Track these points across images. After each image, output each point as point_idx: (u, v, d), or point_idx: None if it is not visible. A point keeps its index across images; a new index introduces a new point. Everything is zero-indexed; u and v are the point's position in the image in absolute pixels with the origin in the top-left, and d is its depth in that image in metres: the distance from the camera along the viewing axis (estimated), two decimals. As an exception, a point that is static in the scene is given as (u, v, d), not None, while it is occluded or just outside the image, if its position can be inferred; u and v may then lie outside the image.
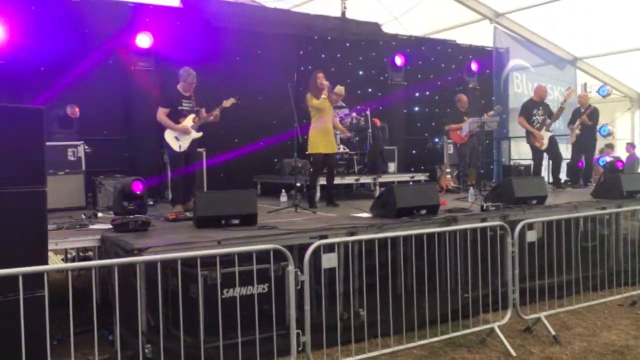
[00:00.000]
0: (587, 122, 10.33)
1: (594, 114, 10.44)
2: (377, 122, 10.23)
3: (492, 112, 10.22)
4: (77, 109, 7.88)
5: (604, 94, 13.05)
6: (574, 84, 13.86)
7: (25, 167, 3.70)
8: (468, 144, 10.09)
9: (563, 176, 10.71)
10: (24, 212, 3.68)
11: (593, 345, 4.88)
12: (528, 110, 9.91)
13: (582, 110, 10.44)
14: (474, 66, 12.27)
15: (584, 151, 10.56)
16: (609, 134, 12.51)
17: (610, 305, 5.93)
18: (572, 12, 11.92)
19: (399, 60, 11.25)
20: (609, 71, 14.85)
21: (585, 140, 10.43)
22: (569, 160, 11.11)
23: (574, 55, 14.45)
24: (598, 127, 10.98)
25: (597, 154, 12.00)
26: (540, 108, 9.88)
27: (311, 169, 7.81)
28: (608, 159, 10.61)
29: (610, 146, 13.62)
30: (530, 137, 9.87)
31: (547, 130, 9.75)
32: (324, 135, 7.40)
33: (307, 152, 7.49)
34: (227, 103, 7.23)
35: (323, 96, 7.41)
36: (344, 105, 9.54)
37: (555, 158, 10.02)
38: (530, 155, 10.48)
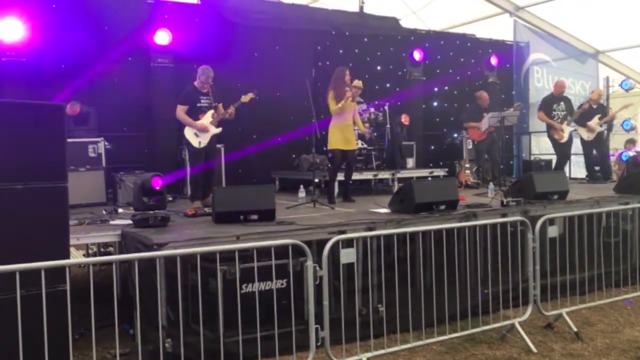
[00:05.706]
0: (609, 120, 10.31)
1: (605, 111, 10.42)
2: (407, 120, 10.21)
3: (512, 110, 10.06)
4: (77, 108, 7.77)
5: (627, 88, 12.85)
6: (595, 78, 13.68)
7: (46, 164, 3.74)
8: (485, 141, 9.83)
9: (582, 173, 10.64)
10: (46, 208, 3.72)
11: (616, 342, 4.81)
12: (548, 105, 10.00)
13: (595, 106, 10.31)
14: (493, 60, 12.17)
15: (596, 147, 10.44)
16: (632, 128, 12.30)
17: (633, 301, 5.83)
18: (593, 4, 11.71)
19: (417, 55, 11.19)
20: (632, 64, 14.59)
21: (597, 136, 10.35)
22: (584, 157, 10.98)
23: (596, 48, 14.23)
24: (621, 121, 10.84)
25: (613, 150, 11.85)
26: (562, 103, 9.90)
27: (330, 165, 7.78)
28: (631, 153, 10.43)
29: (631, 141, 13.40)
30: (550, 130, 9.90)
31: (568, 125, 9.74)
32: (344, 131, 7.35)
33: (326, 148, 7.47)
34: (246, 98, 7.26)
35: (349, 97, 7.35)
36: (361, 100, 9.50)
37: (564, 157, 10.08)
38: (550, 150, 10.39)
